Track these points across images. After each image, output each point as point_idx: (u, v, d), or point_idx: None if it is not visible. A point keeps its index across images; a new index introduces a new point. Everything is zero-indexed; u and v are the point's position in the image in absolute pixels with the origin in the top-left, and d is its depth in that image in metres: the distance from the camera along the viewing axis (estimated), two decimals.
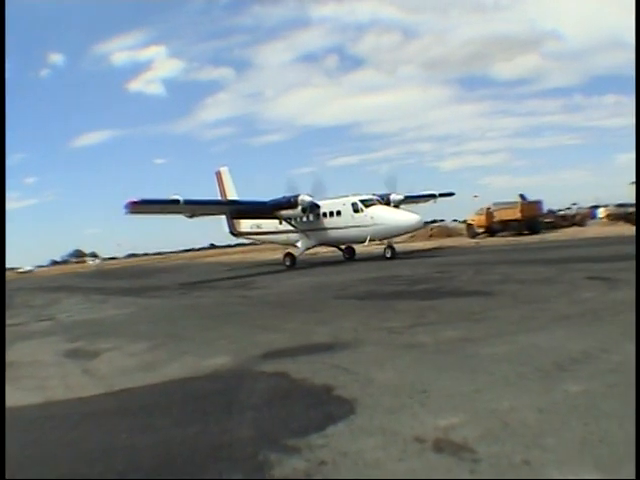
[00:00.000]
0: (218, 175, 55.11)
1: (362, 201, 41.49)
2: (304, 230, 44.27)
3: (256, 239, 53.27)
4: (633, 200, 73.46)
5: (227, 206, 47.61)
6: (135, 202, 34.85)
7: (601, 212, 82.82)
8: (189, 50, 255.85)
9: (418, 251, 48.60)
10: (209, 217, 47.65)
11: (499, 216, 64.85)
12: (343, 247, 46.95)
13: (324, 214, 43.22)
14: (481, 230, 67.38)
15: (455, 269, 27.05)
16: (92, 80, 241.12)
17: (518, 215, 62.37)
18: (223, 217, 50.86)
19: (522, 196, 65.26)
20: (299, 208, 41.63)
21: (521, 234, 60.70)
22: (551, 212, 77.89)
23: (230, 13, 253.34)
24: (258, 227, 49.09)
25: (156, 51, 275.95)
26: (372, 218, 40.21)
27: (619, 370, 7.73)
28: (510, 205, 63.96)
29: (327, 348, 11.07)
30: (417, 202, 52.59)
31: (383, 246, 41.69)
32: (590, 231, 56.66)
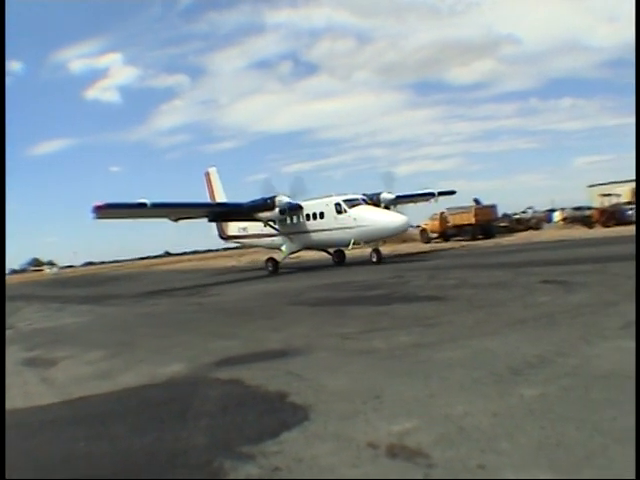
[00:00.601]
0: (207, 176, 53.74)
1: (346, 201, 39.34)
2: (287, 233, 42.72)
3: (243, 243, 51.96)
4: (590, 203, 74.92)
5: (202, 208, 44.70)
6: (100, 206, 34.06)
7: (557, 215, 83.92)
8: (145, 57, 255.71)
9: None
10: (197, 221, 45.16)
11: (453, 221, 65.45)
12: (332, 251, 44.54)
13: (307, 216, 41.48)
14: (435, 235, 67.90)
15: (409, 274, 27.22)
16: (50, 88, 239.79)
17: (472, 220, 63.02)
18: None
19: (476, 200, 66.11)
20: (276, 210, 39.69)
21: (476, 239, 61.29)
22: (506, 216, 78.75)
23: (186, 20, 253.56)
24: (244, 230, 47.74)
25: (112, 58, 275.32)
26: (355, 220, 38.04)
27: (576, 373, 7.84)
28: (464, 210, 64.59)
29: (281, 355, 11.15)
30: (414, 201, 51.45)
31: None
32: (545, 235, 57.45)
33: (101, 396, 9.60)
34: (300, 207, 41.26)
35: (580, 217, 69.83)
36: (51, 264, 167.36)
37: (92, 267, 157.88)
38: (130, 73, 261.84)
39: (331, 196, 40.63)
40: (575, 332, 10.48)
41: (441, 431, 6.07)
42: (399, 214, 39.36)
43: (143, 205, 35.81)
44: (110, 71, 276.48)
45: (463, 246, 53.23)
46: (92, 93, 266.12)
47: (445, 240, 65.02)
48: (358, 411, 7.08)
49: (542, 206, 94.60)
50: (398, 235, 43.60)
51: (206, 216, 44.11)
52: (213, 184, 52.85)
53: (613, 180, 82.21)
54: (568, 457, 5.19)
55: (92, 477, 6.09)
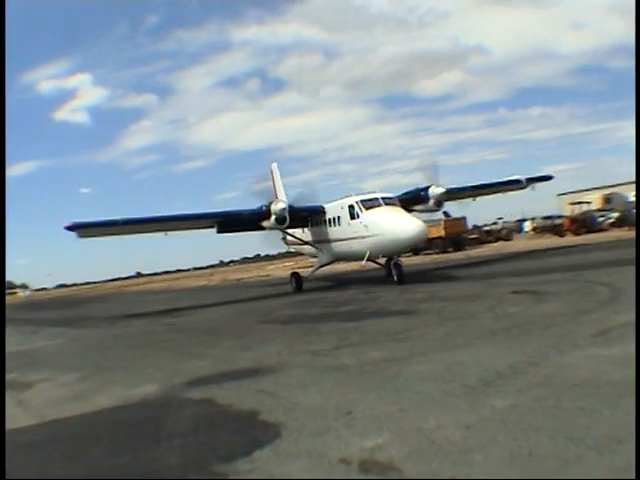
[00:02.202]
0: (270, 172, 48.52)
1: (363, 201, 31.94)
2: (315, 242, 37.23)
3: (296, 249, 45.54)
4: (561, 212, 75.64)
5: (206, 219, 36.64)
6: (69, 227, 33.46)
7: (527, 225, 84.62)
8: (113, 77, 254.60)
9: (346, 273, 48.76)
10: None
11: None
12: (382, 261, 36.06)
13: (328, 221, 35.20)
14: None
15: (378, 288, 27.36)
16: (20, 110, 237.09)
17: (442, 232, 63.30)
18: None
19: (445, 213, 66.27)
20: (272, 218, 33.41)
21: (446, 251, 61.61)
22: (476, 228, 79.26)
23: (153, 39, 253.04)
24: (302, 235, 40.20)
25: (81, 79, 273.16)
26: (366, 227, 31.04)
27: (548, 383, 7.93)
28: (433, 223, 64.83)
29: (252, 373, 11.21)
30: (483, 194, 41.77)
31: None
32: (516, 245, 57.98)
33: (76, 418, 9.74)
34: (323, 211, 35.43)
35: (550, 226, 70.57)
36: (24, 287, 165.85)
37: (65, 289, 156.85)
38: (99, 93, 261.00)
39: (350, 196, 33.53)
40: (547, 341, 10.61)
41: (413, 445, 6.11)
42: (414, 219, 29.90)
43: (114, 222, 34.27)
44: (79, 92, 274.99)
45: (433, 259, 53.40)
46: (61, 114, 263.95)
47: (415, 254, 65.15)
48: (330, 427, 7.12)
49: (512, 216, 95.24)
50: (413, 247, 36.40)
51: (210, 227, 36.74)
52: (275, 181, 47.44)
53: (583, 188, 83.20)
54: (541, 467, 5.24)
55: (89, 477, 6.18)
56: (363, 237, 31.26)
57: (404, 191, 35.70)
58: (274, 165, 49.23)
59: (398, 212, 30.81)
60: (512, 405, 7.10)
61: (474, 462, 5.50)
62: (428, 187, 34.53)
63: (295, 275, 37.93)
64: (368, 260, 32.23)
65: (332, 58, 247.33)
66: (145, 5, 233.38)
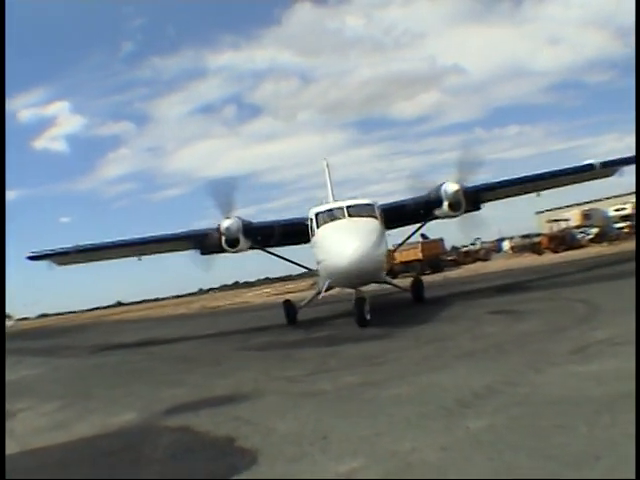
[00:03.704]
0: (324, 170, 41.44)
1: (322, 213, 25.14)
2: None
3: None
4: (539, 229, 76.16)
5: (177, 242, 31.38)
6: (31, 257, 33.03)
7: (506, 245, 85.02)
8: (91, 105, 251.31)
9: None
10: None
11: (400, 258, 65.66)
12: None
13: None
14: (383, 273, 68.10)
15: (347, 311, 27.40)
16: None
17: (419, 255, 63.52)
18: None
19: (423, 235, 66.55)
20: (222, 239, 26.90)
21: (423, 274, 61.74)
22: (455, 249, 79.45)
23: (129, 66, 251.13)
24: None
25: (59, 107, 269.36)
26: (315, 248, 25.70)
27: (525, 402, 8.01)
28: (411, 245, 64.98)
29: (228, 400, 11.33)
30: (544, 187, 32.09)
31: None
32: (494, 265, 58.26)
33: (57, 446, 9.89)
34: (305, 224, 27.34)
35: (529, 245, 71.02)
36: (8, 317, 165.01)
37: (46, 319, 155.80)
38: (77, 121, 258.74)
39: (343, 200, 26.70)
40: (524, 360, 10.71)
41: (388, 468, 6.15)
42: (360, 241, 21.08)
43: (68, 252, 33.19)
44: (58, 120, 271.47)
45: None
46: (41, 143, 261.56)
47: (393, 277, 65.25)
48: (306, 453, 7.17)
49: (490, 236, 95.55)
50: (358, 279, 22.02)
51: (182, 249, 31.44)
52: (327, 179, 40.03)
53: (560, 205, 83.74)
54: None
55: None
56: (317, 261, 25.67)
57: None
58: (325, 162, 41.49)
59: (355, 228, 22.38)
60: (488, 425, 7.15)
61: None
62: (441, 185, 26.88)
63: (287, 303, 29.37)
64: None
65: (308, 82, 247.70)
66: (121, 32, 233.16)
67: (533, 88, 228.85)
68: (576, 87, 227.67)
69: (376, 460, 6.47)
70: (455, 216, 27.24)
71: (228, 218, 26.68)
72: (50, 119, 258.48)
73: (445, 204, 26.46)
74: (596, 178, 32.25)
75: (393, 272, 65.50)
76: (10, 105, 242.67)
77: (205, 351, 22.48)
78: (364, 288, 23.01)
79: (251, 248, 28.73)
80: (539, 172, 30.04)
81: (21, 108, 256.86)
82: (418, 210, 28.22)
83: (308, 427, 8.41)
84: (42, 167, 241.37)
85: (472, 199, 27.37)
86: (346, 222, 23.47)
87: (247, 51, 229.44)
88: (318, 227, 24.51)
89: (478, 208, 28.53)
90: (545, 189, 31.96)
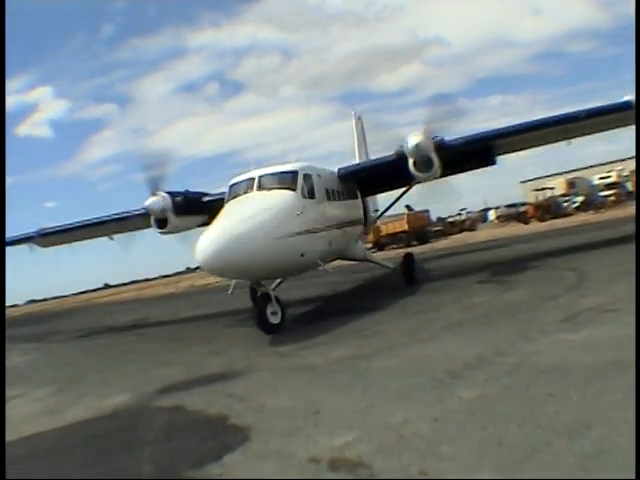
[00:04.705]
0: (352, 125, 35.63)
1: (233, 186, 19.93)
2: None
3: None
4: (524, 199, 76.37)
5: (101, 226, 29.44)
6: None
7: (492, 214, 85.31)
8: (73, 89, 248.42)
9: None
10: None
11: (386, 230, 65.81)
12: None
13: None
14: (369, 245, 68.17)
15: (345, 286, 27.33)
16: None
17: (405, 227, 63.61)
18: None
19: (408, 207, 66.49)
20: (152, 219, 24.44)
21: (410, 245, 61.78)
22: (440, 220, 79.53)
23: (110, 48, 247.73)
24: None
25: (42, 92, 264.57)
26: None
27: (515, 372, 8.03)
28: (396, 217, 64.93)
29: (221, 378, 11.33)
30: (574, 134, 24.85)
31: None
32: (480, 235, 58.35)
33: (51, 432, 9.86)
34: None
35: (515, 214, 71.25)
36: None
37: (35, 305, 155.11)
38: (60, 106, 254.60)
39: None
40: (513, 330, 10.74)
41: (381, 441, 6.16)
42: (231, 232, 15.57)
43: (30, 238, 31.95)
44: (40, 105, 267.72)
45: (398, 254, 53.57)
46: (24, 129, 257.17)
47: (380, 249, 65.31)
48: (298, 427, 7.20)
49: (476, 206, 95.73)
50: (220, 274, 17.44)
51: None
52: (358, 139, 35.31)
53: (545, 174, 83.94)
54: (511, 456, 5.30)
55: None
56: None
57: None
58: (354, 115, 35.85)
59: (247, 208, 17.38)
60: (480, 395, 7.17)
61: (443, 454, 5.56)
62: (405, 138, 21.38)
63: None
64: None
65: (290, 58, 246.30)
66: (101, 14, 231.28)
67: (516, 59, 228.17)
68: (559, 57, 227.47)
69: (369, 433, 6.49)
70: (427, 178, 21.30)
71: (154, 195, 23.86)
72: (33, 105, 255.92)
73: (410, 162, 20.78)
74: (628, 124, 23.32)
75: (379, 244, 65.90)
76: None
77: (196, 330, 22.21)
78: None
79: (189, 228, 24.65)
80: (566, 113, 22.87)
81: (6, 95, 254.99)
82: (389, 173, 22.62)
83: (300, 402, 8.44)
84: (26, 153, 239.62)
85: (461, 154, 21.67)
86: (244, 199, 18.34)
87: (228, 28, 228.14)
88: (226, 204, 18.97)
89: (492, 162, 24.09)
90: (574, 136, 24.69)
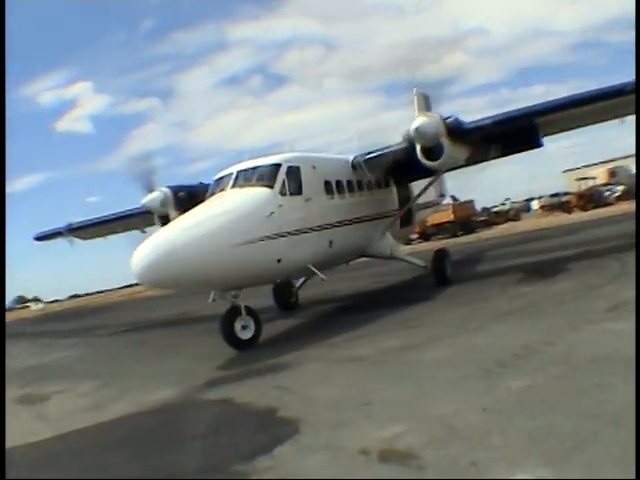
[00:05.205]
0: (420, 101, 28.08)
1: (216, 182, 17.73)
2: None
3: None
4: (567, 188, 75.42)
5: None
6: (37, 237, 32.70)
7: (535, 204, 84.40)
8: (114, 83, 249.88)
9: None
10: None
11: (432, 220, 65.21)
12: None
13: None
14: (415, 236, 67.80)
15: (390, 278, 27.20)
16: (20, 123, 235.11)
17: (451, 217, 63.03)
18: None
19: (453, 197, 66.02)
20: (155, 218, 23.41)
21: (456, 235, 61.42)
22: (485, 210, 78.91)
23: (150, 43, 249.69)
24: None
25: (81, 87, 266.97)
26: None
27: (563, 361, 7.90)
28: (442, 207, 64.52)
29: (270, 370, 11.20)
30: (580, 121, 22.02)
31: None
32: (525, 225, 57.65)
33: (95, 427, 9.68)
34: None
35: (558, 203, 70.30)
36: (37, 300, 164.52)
37: (78, 299, 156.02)
38: (101, 101, 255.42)
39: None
40: (561, 319, 10.61)
41: (431, 432, 6.11)
42: (173, 238, 13.57)
43: (59, 233, 31.34)
44: (80, 101, 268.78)
45: (443, 244, 53.26)
46: (63, 125, 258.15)
47: (425, 240, 65.01)
48: (348, 419, 7.13)
49: (520, 196, 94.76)
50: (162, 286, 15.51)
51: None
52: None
53: (587, 163, 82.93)
54: (560, 446, 5.22)
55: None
56: None
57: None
58: (419, 92, 28.50)
59: (208, 211, 15.32)
60: (528, 385, 7.08)
61: (492, 445, 5.49)
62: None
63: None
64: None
65: (332, 50, 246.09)
66: (139, 10, 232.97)
67: (556, 48, 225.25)
68: (598, 46, 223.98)
69: (419, 424, 6.44)
70: (439, 168, 18.73)
71: (151, 192, 22.85)
72: (72, 100, 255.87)
73: (418, 149, 18.25)
74: None
75: (425, 234, 65.56)
76: (30, 89, 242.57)
77: None
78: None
79: None
80: (622, 83, 17.95)
81: (42, 91, 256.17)
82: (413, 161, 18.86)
83: (350, 393, 8.39)
84: (66, 148, 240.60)
85: (494, 136, 18.56)
86: (215, 198, 16.57)
87: (268, 21, 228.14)
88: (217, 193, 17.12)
89: (536, 144, 20.31)
90: (628, 113, 20.40)
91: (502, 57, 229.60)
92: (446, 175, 21.70)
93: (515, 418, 6.06)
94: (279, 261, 15.04)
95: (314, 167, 17.62)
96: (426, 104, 28.60)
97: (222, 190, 16.57)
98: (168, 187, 22.63)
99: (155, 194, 22.59)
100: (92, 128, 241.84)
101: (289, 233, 15.47)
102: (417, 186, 22.70)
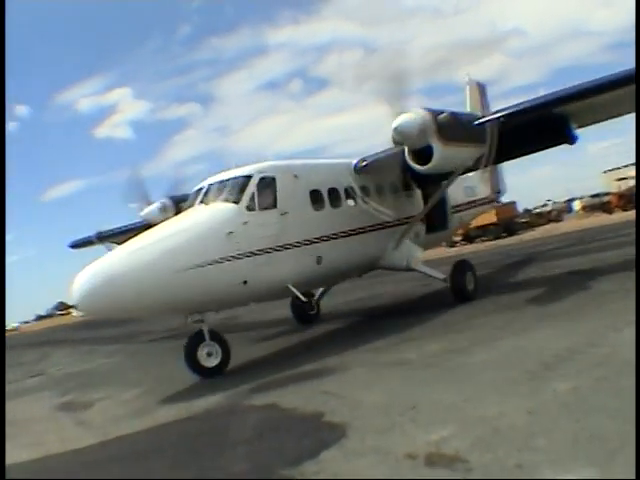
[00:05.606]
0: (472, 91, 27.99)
1: (195, 193, 16.00)
2: None
3: None
4: (607, 188, 74.47)
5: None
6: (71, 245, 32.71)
7: (577, 205, 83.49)
8: (153, 89, 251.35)
9: None
10: None
11: (475, 222, 64.94)
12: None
13: None
14: (459, 238, 67.47)
15: (435, 281, 27.03)
16: (59, 129, 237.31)
17: (494, 219, 62.51)
18: None
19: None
20: None
21: (499, 237, 61.01)
22: (527, 211, 78.34)
23: (188, 48, 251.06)
24: None
25: (120, 93, 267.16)
26: None
27: (607, 363, 7.86)
28: (497, 206, 64.04)
29: (315, 375, 11.15)
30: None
31: None
32: (567, 226, 57.05)
33: (139, 434, 9.64)
34: None
35: (599, 204, 69.50)
36: (75, 307, 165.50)
37: None
38: (141, 107, 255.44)
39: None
40: (604, 320, 10.50)
41: (477, 435, 6.11)
42: (115, 260, 12.72)
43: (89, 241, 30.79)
44: (119, 107, 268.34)
45: (487, 246, 52.93)
46: (103, 131, 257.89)
47: (469, 242, 64.70)
48: (394, 423, 7.11)
49: (560, 197, 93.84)
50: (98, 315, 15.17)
51: None
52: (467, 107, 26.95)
53: (627, 163, 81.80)
54: (603, 448, 5.20)
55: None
56: None
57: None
58: (471, 80, 28.14)
59: (159, 233, 13.87)
60: (573, 387, 7.05)
61: (538, 447, 5.48)
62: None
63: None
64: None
65: (371, 52, 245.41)
66: (177, 15, 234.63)
67: (592, 48, 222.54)
68: (632, 47, 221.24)
69: (465, 427, 6.42)
70: (427, 171, 15.63)
71: (149, 203, 21.98)
72: (111, 106, 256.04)
73: (405, 151, 15.79)
74: None
75: (468, 237, 65.20)
76: (68, 96, 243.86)
77: (287, 327, 20.85)
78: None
79: None
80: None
81: (80, 98, 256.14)
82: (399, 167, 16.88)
83: (396, 397, 8.36)
84: (106, 155, 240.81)
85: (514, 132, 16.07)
86: (180, 216, 15.47)
87: (307, 25, 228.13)
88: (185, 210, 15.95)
89: (568, 139, 17.11)
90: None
91: (540, 58, 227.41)
92: (505, 169, 20.70)
93: (560, 420, 6.04)
94: (245, 283, 13.60)
95: (296, 176, 15.77)
96: (481, 95, 28.53)
97: (190, 206, 15.34)
98: (169, 197, 21.40)
99: (155, 206, 21.58)
100: (132, 134, 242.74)
101: (256, 252, 13.92)
102: (459, 182, 20.00)
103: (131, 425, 10.26)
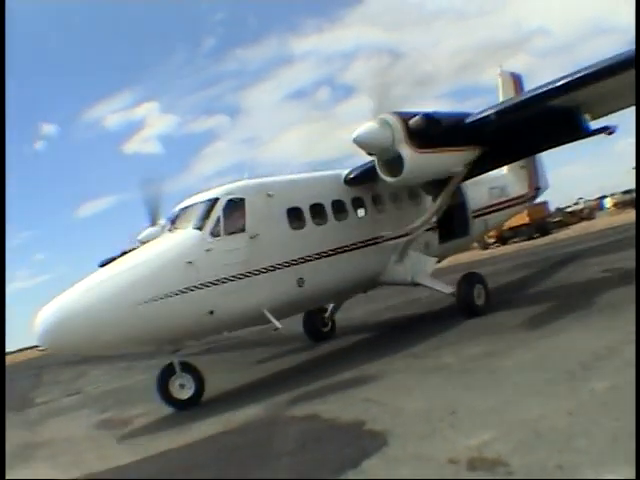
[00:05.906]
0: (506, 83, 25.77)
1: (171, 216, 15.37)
2: None
3: None
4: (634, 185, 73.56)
5: None
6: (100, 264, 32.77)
7: (608, 202, 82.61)
8: (180, 103, 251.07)
9: None
10: None
11: (508, 224, 64.49)
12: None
13: None
14: (492, 240, 67.07)
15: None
16: (88, 146, 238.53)
17: (526, 219, 61.96)
18: None
19: None
20: None
21: (532, 238, 60.52)
22: (559, 210, 77.60)
23: (214, 60, 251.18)
24: None
25: (148, 108, 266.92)
26: None
27: None
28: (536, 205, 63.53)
29: (355, 382, 11.08)
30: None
31: None
32: (599, 223, 56.40)
33: (181, 449, 9.55)
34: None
35: (630, 200, 68.69)
36: None
37: None
38: (169, 121, 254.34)
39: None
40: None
41: (518, 437, 6.08)
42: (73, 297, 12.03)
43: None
44: (147, 121, 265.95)
45: (521, 246, 52.53)
46: (131, 146, 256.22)
47: (503, 243, 64.28)
48: (435, 429, 7.09)
49: (592, 194, 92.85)
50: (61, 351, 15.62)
51: None
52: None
53: None
54: None
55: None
56: None
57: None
58: (504, 72, 26.25)
59: (121, 265, 13.25)
60: (611, 386, 7.00)
61: (578, 448, 5.45)
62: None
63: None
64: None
65: (397, 58, 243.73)
66: (201, 28, 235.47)
67: (616, 45, 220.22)
68: None
69: (506, 431, 6.39)
70: (397, 183, 14.93)
71: (152, 225, 21.48)
72: (139, 121, 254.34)
73: (375, 162, 15.00)
74: None
75: (502, 238, 64.74)
76: (95, 112, 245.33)
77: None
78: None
79: None
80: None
81: (107, 114, 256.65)
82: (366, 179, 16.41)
83: (436, 403, 8.32)
84: (135, 170, 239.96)
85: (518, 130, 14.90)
86: (144, 246, 14.87)
87: (331, 33, 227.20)
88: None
89: (582, 131, 15.35)
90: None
91: (564, 56, 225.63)
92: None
93: (599, 420, 6.00)
94: (211, 313, 12.83)
95: (269, 195, 14.60)
96: (517, 87, 25.74)
97: (163, 231, 14.89)
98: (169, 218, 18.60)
99: (154, 228, 20.74)
100: (161, 148, 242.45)
101: (223, 280, 13.07)
102: (483, 183, 19.63)
103: (172, 441, 10.17)
